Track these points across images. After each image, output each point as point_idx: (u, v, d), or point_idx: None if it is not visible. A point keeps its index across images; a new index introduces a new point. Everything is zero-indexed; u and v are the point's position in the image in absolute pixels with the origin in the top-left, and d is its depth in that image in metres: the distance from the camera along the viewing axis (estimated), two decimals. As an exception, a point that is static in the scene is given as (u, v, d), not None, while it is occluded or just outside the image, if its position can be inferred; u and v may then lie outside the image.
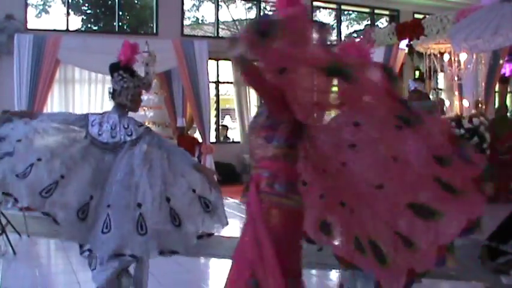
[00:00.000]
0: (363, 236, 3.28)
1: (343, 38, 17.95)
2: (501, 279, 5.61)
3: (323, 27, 3.00)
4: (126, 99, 4.32)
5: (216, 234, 4.14)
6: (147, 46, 9.88)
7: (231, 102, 17.31)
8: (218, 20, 15.85)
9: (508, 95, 18.08)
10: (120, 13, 14.62)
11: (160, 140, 4.28)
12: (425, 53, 11.32)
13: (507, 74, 13.31)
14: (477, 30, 8.52)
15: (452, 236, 3.13)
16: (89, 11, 14.98)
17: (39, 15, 14.20)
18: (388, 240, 3.21)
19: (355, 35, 18.43)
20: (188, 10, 16.16)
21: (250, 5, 17.00)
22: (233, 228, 9.19)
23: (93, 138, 4.13)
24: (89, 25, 14.95)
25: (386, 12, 18.57)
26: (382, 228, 3.23)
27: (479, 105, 10.34)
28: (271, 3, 3.18)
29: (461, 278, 5.54)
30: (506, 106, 13.52)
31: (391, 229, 3.19)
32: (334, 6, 17.64)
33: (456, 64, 10.58)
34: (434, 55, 11.10)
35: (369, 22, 18.54)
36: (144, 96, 9.79)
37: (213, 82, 14.78)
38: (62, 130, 4.19)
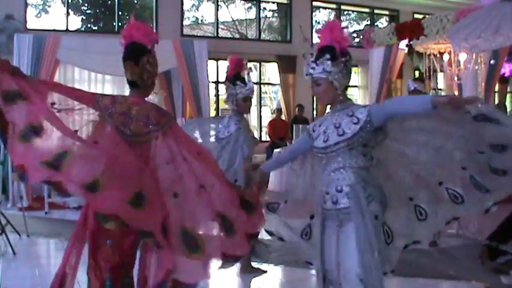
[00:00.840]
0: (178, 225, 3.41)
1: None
2: (501, 279, 5.61)
3: None
4: (232, 103, 6.12)
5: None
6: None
7: (230, 102, 17.31)
8: (218, 20, 15.85)
9: (508, 95, 18.13)
10: (120, 13, 14.62)
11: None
12: (425, 53, 11.33)
13: (507, 74, 13.33)
14: (477, 30, 8.52)
15: (258, 227, 3.78)
16: (88, 11, 14.98)
17: (39, 15, 14.21)
18: (207, 227, 3.55)
19: (354, 35, 18.43)
20: (188, 10, 16.17)
21: (249, 5, 17.01)
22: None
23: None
24: (89, 25, 14.94)
25: (386, 12, 18.59)
26: (203, 215, 3.55)
27: (479, 105, 10.33)
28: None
29: (461, 277, 5.54)
30: (505, 106, 13.53)
31: (216, 212, 3.51)
32: (333, 6, 17.66)
33: (456, 64, 10.58)
34: (434, 55, 11.11)
35: (369, 22, 18.55)
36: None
37: (212, 82, 14.78)
38: None
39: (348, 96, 3.54)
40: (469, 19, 9.03)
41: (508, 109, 16.51)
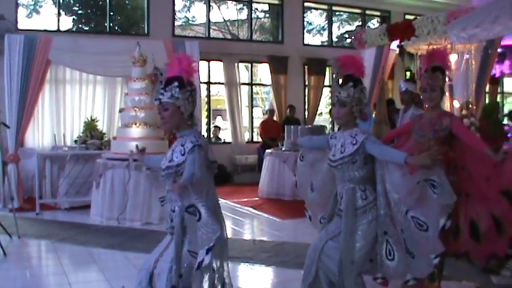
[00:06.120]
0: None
1: (334, 39, 18.00)
2: (491, 278, 5.63)
3: None
4: None
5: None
6: (138, 47, 9.86)
7: (222, 103, 17.32)
8: (209, 20, 15.84)
9: (498, 96, 18.19)
10: (112, 14, 14.59)
11: None
12: (416, 54, 11.34)
13: (497, 75, 13.36)
14: (476, 20, 8.57)
15: None
16: (80, 12, 14.94)
17: (30, 15, 14.16)
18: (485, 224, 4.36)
19: (346, 35, 18.46)
20: (179, 11, 16.15)
21: (241, 5, 17.00)
22: (224, 229, 9.08)
23: None
24: (80, 25, 14.89)
25: (378, 13, 18.63)
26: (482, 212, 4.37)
27: (470, 106, 10.38)
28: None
29: (452, 277, 5.56)
30: (497, 103, 13.59)
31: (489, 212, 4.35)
32: (325, 7, 17.66)
33: (447, 65, 10.61)
34: (426, 56, 11.13)
35: (360, 23, 18.58)
36: (136, 97, 9.80)
37: (204, 83, 14.78)
38: None
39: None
40: (467, 15, 9.13)
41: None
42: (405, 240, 3.89)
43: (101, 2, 14.79)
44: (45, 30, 13.39)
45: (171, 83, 3.75)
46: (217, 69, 15.57)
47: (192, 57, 3.93)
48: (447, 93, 10.69)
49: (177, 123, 3.79)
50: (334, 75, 4.12)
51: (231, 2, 16.90)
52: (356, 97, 3.98)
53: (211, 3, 15.93)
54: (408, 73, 16.71)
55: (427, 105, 4.97)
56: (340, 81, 4.07)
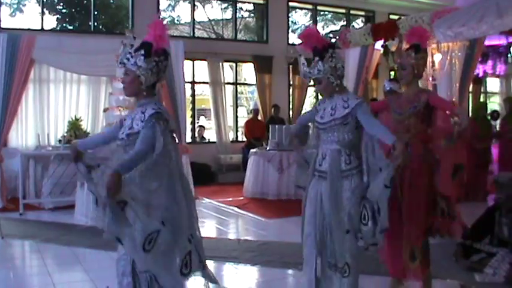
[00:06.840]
0: None
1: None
2: (475, 276, 5.68)
3: None
4: None
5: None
6: (123, 46, 9.80)
7: (206, 103, 17.29)
8: (194, 20, 15.82)
9: (481, 95, 18.35)
10: (96, 13, 14.52)
11: None
12: (401, 54, 11.39)
13: (480, 75, 13.45)
14: (462, 19, 8.63)
15: None
16: (64, 11, 14.86)
17: (14, 14, 14.06)
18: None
19: (331, 35, 18.50)
20: (164, 10, 16.11)
21: (226, 5, 17.00)
22: (209, 228, 9.16)
23: None
24: (64, 25, 14.82)
25: (362, 13, 18.68)
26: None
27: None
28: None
29: (436, 276, 5.58)
30: (486, 106, 13.70)
31: None
32: (310, 6, 17.69)
33: (431, 65, 10.65)
34: (409, 56, 11.17)
35: (345, 23, 18.61)
36: (120, 97, 9.74)
37: (188, 82, 14.73)
38: None
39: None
40: (453, 13, 9.19)
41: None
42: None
43: (85, 1, 14.72)
44: (29, 29, 13.28)
45: (140, 49, 3.81)
46: (202, 69, 15.54)
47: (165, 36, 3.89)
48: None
49: (135, 92, 3.77)
50: (300, 61, 4.16)
51: (215, 1, 16.90)
52: (327, 67, 4.00)
53: (196, 3, 15.91)
54: (392, 73, 16.80)
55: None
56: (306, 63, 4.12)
